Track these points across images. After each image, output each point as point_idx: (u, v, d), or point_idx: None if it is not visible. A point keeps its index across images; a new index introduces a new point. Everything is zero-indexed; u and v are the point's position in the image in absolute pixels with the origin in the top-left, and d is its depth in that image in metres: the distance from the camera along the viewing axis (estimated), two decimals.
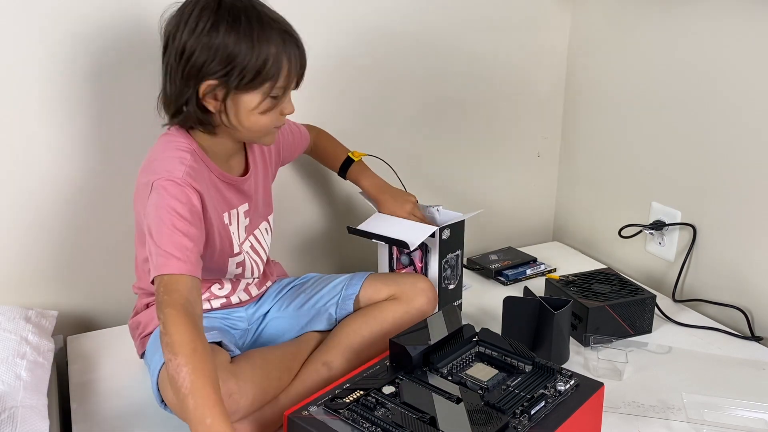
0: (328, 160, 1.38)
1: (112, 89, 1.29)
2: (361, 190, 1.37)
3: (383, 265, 1.41)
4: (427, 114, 1.61)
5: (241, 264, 1.15)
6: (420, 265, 1.37)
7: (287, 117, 1.09)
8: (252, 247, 1.18)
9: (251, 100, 1.00)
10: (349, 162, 1.35)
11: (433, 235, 1.29)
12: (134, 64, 1.27)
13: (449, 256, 1.34)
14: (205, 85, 0.98)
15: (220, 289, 1.17)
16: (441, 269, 1.34)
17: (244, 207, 1.14)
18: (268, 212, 1.24)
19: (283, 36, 1.00)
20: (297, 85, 1.05)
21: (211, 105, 1.01)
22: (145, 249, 1.00)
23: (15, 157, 1.26)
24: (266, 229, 1.23)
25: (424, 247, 1.35)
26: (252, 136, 1.07)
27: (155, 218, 0.96)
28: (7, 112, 1.23)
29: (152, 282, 0.95)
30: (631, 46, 1.55)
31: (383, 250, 1.39)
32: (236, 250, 1.12)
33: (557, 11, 1.69)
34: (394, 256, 1.39)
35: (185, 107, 1.00)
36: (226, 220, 1.10)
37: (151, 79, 1.11)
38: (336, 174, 1.38)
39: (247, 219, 1.15)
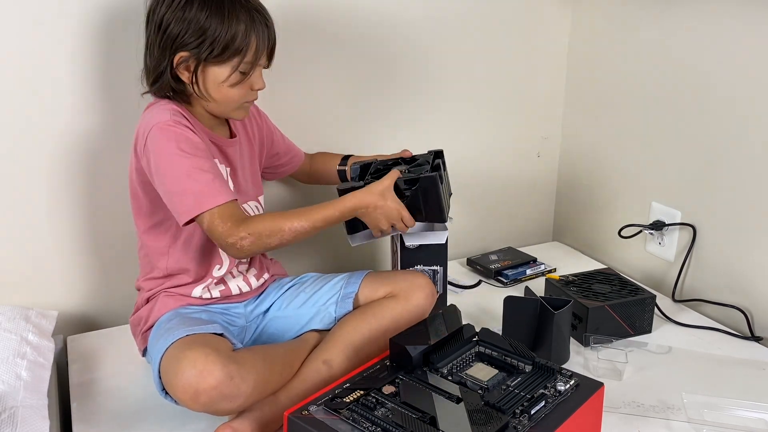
0: (328, 164, 1.40)
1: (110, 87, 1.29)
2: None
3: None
4: (426, 114, 1.62)
5: None
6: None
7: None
8: None
9: (221, 72, 1.08)
10: (346, 157, 1.39)
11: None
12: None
13: (418, 267, 1.33)
14: (178, 56, 1.06)
15: (219, 268, 1.18)
16: None
17: (227, 171, 1.16)
18: (258, 192, 1.26)
19: (253, 14, 1.07)
20: (268, 63, 1.14)
21: (184, 75, 1.08)
22: (146, 220, 1.12)
23: (14, 157, 1.26)
24: (256, 206, 1.24)
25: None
26: (222, 109, 1.13)
27: (167, 166, 1.04)
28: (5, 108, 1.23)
29: (186, 224, 1.05)
30: (631, 46, 1.55)
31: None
32: None
33: (557, 11, 1.69)
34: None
35: (162, 77, 1.08)
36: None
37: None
38: (339, 176, 1.39)
39: (231, 183, 1.17)
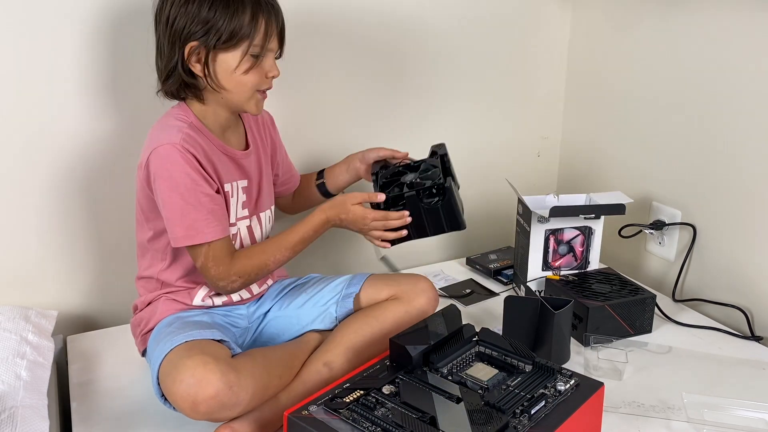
0: (308, 185, 1.37)
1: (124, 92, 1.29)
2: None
3: (535, 255, 1.43)
4: (426, 113, 1.61)
5: (235, 236, 1.16)
6: (581, 249, 1.42)
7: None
8: (249, 227, 1.18)
9: (232, 59, 1.07)
10: (321, 172, 1.36)
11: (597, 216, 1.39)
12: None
13: None
14: (188, 47, 1.06)
15: None
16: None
17: (243, 183, 1.16)
18: (271, 202, 1.25)
19: None
20: (280, 50, 1.13)
21: (196, 68, 1.07)
22: (147, 229, 1.12)
23: (14, 157, 1.26)
24: (269, 217, 1.24)
25: (587, 231, 1.40)
26: (237, 99, 1.11)
27: (165, 191, 1.05)
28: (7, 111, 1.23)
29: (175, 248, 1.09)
30: (631, 46, 1.55)
31: (537, 240, 1.40)
32: (231, 220, 1.14)
33: (557, 11, 1.69)
34: (551, 248, 1.41)
35: (174, 72, 1.08)
36: (227, 189, 1.13)
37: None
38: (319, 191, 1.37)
39: (245, 195, 1.17)
